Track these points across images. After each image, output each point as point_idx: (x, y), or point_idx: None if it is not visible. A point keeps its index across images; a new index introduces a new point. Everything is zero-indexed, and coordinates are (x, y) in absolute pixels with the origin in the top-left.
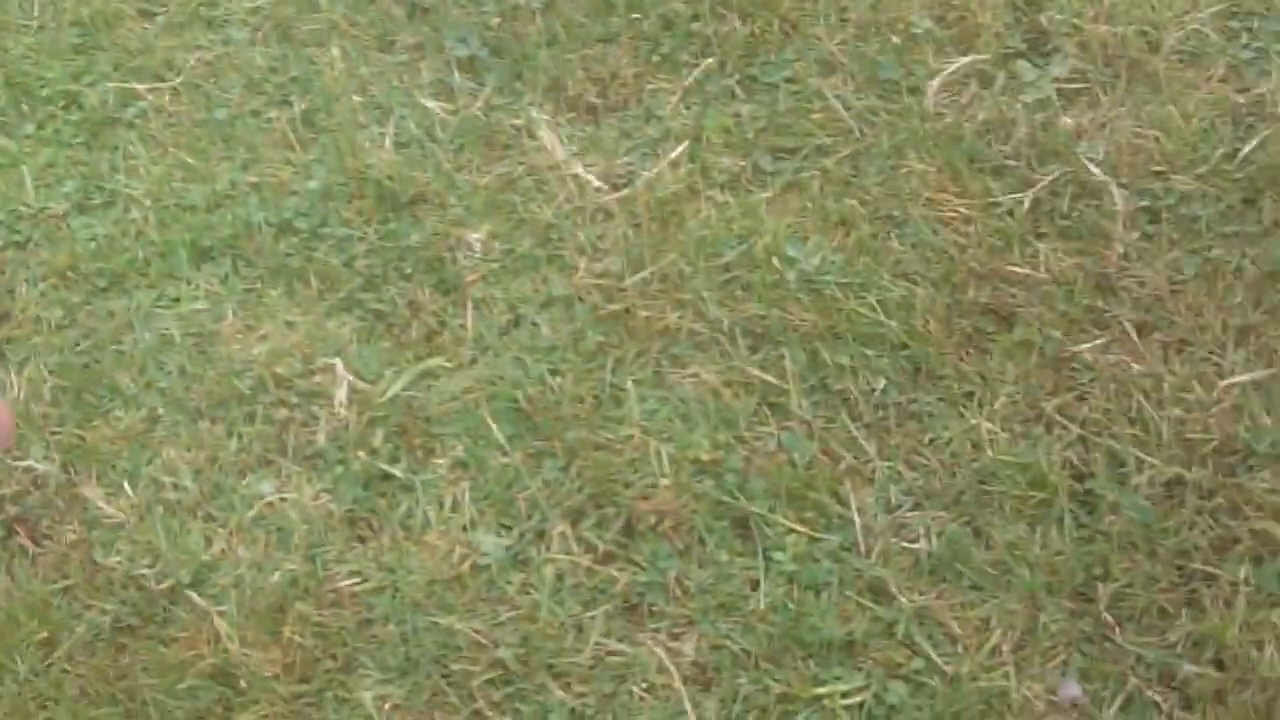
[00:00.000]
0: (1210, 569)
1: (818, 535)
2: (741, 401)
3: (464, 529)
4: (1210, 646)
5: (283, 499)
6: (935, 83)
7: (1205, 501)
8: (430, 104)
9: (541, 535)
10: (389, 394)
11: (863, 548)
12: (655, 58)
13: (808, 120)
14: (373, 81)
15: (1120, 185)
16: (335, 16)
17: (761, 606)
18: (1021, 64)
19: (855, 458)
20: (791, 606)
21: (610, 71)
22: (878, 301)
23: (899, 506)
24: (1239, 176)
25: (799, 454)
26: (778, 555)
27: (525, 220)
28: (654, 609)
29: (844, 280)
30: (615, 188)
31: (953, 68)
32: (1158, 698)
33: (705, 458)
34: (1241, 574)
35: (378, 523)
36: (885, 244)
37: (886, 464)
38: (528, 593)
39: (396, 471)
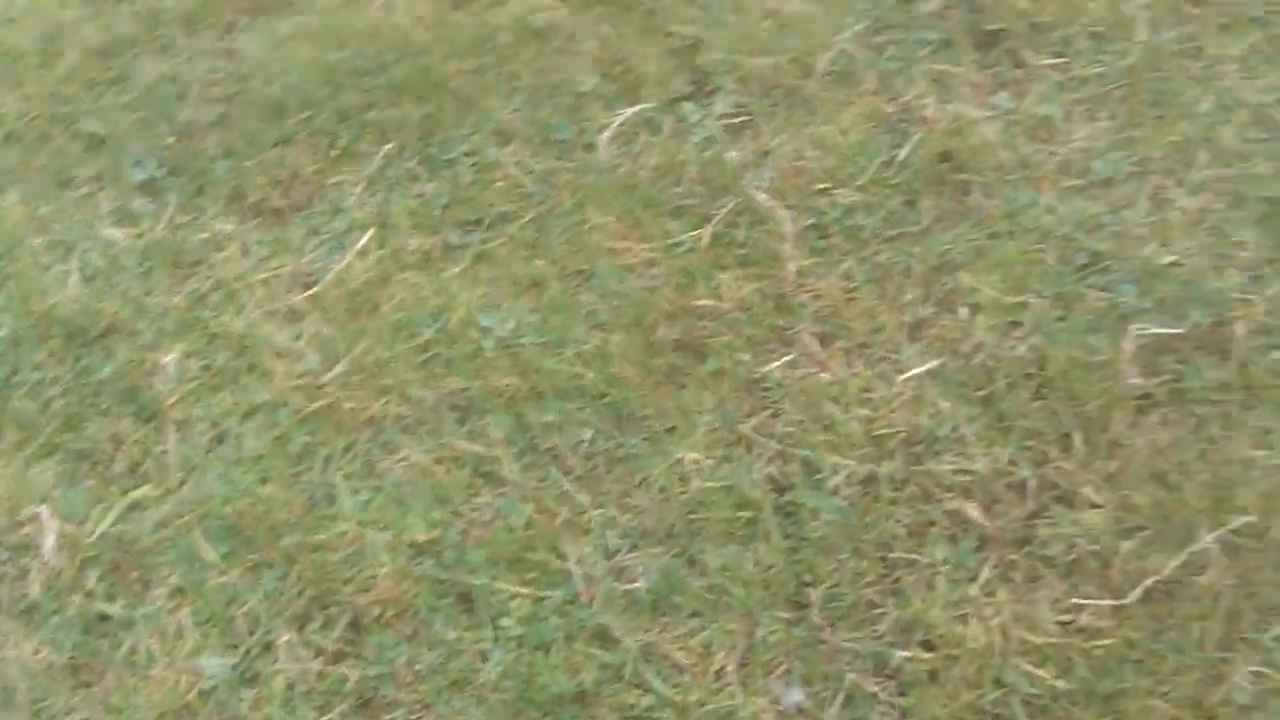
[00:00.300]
0: (910, 556)
1: (541, 594)
2: (454, 476)
3: (189, 656)
4: (918, 630)
5: (1, 658)
6: (605, 136)
7: (899, 492)
8: (113, 233)
9: (268, 648)
10: (98, 532)
11: (585, 598)
12: (334, 152)
13: (490, 190)
14: (54, 220)
15: (787, 207)
16: (10, 161)
17: (493, 676)
18: (687, 106)
19: (571, 511)
20: (522, 670)
21: (290, 172)
22: (575, 355)
23: (617, 551)
24: (898, 181)
25: (515, 518)
26: (504, 622)
27: (219, 334)
28: (387, 700)
29: (540, 340)
30: (307, 286)
31: (620, 119)
32: (875, 688)
33: (422, 539)
34: (939, 555)
35: (100, 665)
36: (576, 299)
37: (600, 512)
38: (260, 708)
39: (114, 610)
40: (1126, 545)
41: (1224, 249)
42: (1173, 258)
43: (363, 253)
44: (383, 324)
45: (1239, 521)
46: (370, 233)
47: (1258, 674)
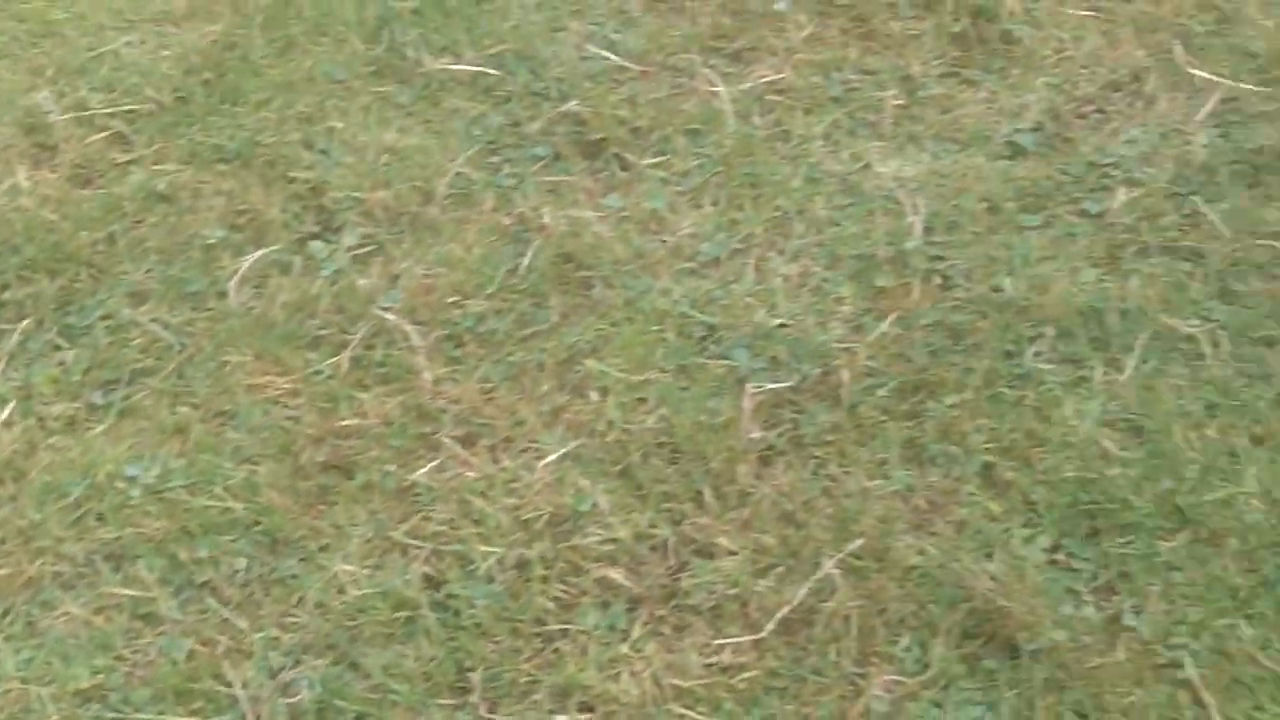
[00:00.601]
0: (565, 626)
1: None
2: (114, 623)
3: None
4: (575, 694)
5: None
6: (234, 282)
7: (550, 570)
8: None
9: None
10: None
11: (251, 717)
12: None
13: (129, 349)
14: None
15: (420, 323)
16: None
17: None
18: (315, 244)
19: (231, 639)
20: None
21: None
22: (224, 490)
23: (281, 669)
24: (524, 287)
25: (177, 652)
26: None
27: None
28: None
29: (188, 482)
30: None
31: (248, 264)
32: None
33: (87, 686)
34: (592, 622)
35: None
36: (222, 438)
37: (261, 634)
38: None
39: None
40: (762, 583)
41: (825, 306)
42: (780, 320)
43: (7, 425)
44: (32, 489)
45: (855, 544)
46: (12, 405)
47: (894, 682)
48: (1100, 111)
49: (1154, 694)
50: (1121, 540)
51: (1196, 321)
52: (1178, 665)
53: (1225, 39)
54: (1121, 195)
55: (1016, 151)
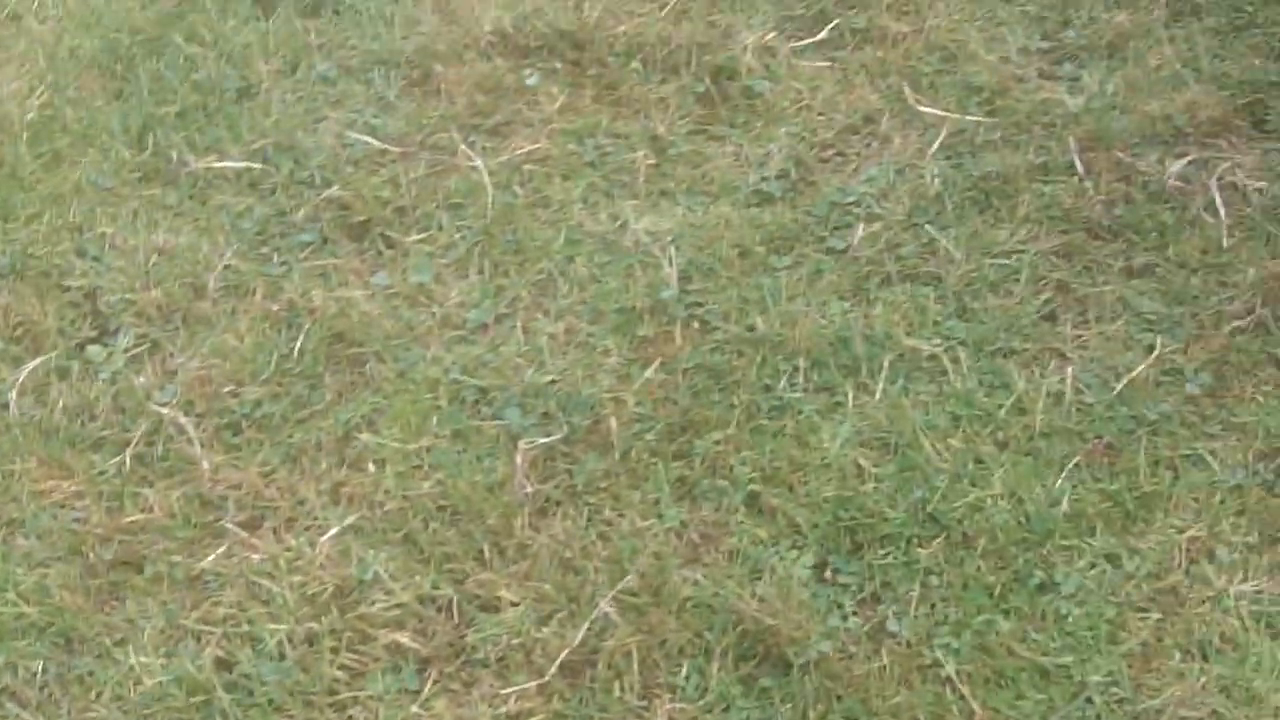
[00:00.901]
0: (356, 693)
1: None
2: None
3: None
4: None
5: None
6: (14, 393)
7: (339, 640)
8: None
9: None
10: None
11: None
12: None
13: None
14: None
15: (197, 415)
16: None
17: None
18: (92, 349)
19: None
20: None
21: None
22: (17, 595)
23: None
24: (299, 370)
25: None
26: None
27: None
28: None
29: None
30: None
31: (25, 373)
32: None
33: None
34: (382, 687)
35: None
36: (12, 545)
37: None
38: None
39: None
40: (545, 630)
41: (592, 359)
42: (550, 377)
43: None
44: None
45: (627, 581)
46: None
47: (677, 710)
48: (840, 154)
49: (920, 694)
50: (882, 551)
51: (938, 341)
52: (940, 665)
53: (952, 76)
54: (862, 230)
55: (764, 198)
